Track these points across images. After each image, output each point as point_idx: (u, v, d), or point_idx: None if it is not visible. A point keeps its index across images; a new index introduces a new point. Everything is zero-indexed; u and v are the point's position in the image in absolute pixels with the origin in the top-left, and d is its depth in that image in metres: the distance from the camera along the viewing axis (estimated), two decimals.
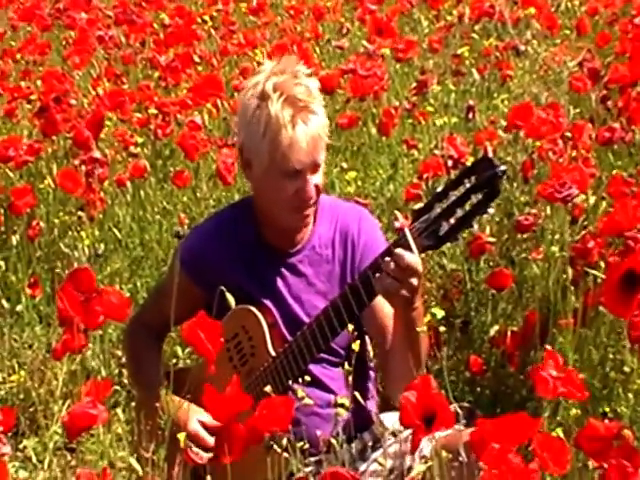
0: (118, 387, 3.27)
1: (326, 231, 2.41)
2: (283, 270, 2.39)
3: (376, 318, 2.31)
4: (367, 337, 2.40)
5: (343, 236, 2.40)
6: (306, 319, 2.33)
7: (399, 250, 2.01)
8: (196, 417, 2.31)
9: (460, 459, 1.89)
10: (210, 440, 2.28)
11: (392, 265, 2.02)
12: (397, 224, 2.04)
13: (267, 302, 2.37)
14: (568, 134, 3.54)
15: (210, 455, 2.25)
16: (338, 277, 2.38)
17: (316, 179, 2.28)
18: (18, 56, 6.04)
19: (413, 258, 2.00)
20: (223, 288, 2.15)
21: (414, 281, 2.03)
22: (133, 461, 2.12)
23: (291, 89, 2.24)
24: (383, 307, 2.26)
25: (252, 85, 2.29)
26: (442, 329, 2.74)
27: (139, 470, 2.06)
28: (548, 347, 2.22)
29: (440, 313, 2.16)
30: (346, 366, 2.01)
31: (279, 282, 2.38)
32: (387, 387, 2.40)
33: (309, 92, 2.27)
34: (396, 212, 2.17)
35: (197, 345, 1.95)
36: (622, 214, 2.71)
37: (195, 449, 2.24)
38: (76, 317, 1.99)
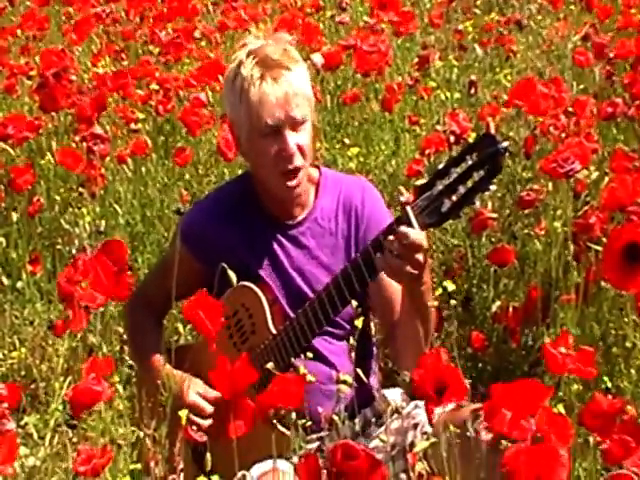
0: (122, 367, 3.27)
1: (329, 203, 2.40)
2: (285, 242, 2.38)
3: (383, 292, 2.31)
4: (370, 313, 2.40)
5: (346, 208, 2.39)
6: (309, 292, 2.33)
7: (402, 228, 2.00)
8: (194, 389, 2.31)
9: (467, 434, 1.88)
10: (209, 409, 2.29)
11: (396, 244, 2.00)
12: (402, 198, 2.02)
13: (269, 275, 2.37)
14: (570, 109, 3.52)
15: (209, 422, 2.27)
16: (342, 250, 2.38)
17: (298, 138, 2.26)
18: (18, 32, 6.01)
19: (417, 234, 1.98)
20: (225, 265, 2.15)
21: (419, 257, 2.01)
22: (141, 433, 2.13)
23: (264, 51, 2.27)
24: (391, 281, 2.25)
25: (233, 59, 2.32)
26: (452, 302, 2.72)
27: (147, 443, 2.06)
28: (551, 325, 2.23)
29: (451, 286, 2.15)
30: (350, 341, 2.00)
31: (281, 254, 2.38)
32: (395, 361, 2.40)
33: (283, 52, 2.28)
34: (401, 187, 2.15)
35: (198, 324, 1.95)
36: (622, 189, 2.69)
37: (194, 418, 2.25)
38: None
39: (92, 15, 6.20)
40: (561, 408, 1.77)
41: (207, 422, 2.28)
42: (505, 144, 1.93)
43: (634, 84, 3.78)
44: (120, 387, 3.11)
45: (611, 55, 4.26)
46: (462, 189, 1.96)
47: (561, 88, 3.55)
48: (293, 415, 1.84)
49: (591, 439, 1.75)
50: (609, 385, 2.21)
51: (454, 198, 1.97)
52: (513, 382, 1.64)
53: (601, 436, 1.68)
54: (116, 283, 2.06)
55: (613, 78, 4.09)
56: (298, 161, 2.27)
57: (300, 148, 2.27)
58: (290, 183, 2.28)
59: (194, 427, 2.19)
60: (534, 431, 1.56)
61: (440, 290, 2.13)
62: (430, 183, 2.00)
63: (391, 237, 2.01)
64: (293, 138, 2.25)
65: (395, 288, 2.26)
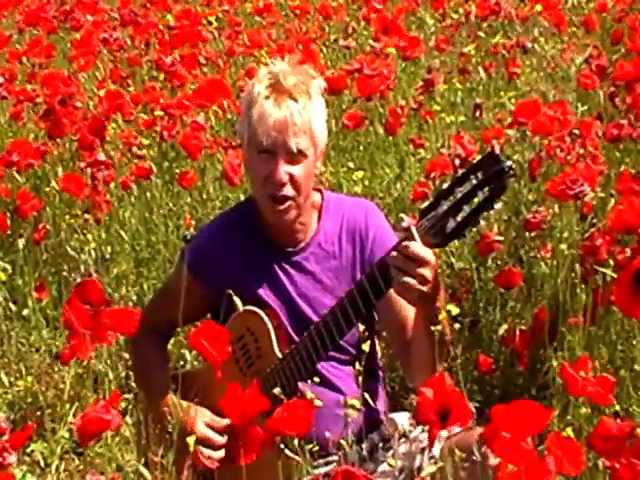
0: (127, 394, 3.26)
1: (331, 227, 2.40)
2: (289, 268, 2.38)
3: (394, 309, 2.28)
4: (376, 336, 2.39)
5: (350, 231, 2.39)
6: (314, 317, 2.32)
7: (404, 242, 1.99)
8: (202, 419, 2.30)
9: (473, 458, 1.87)
10: (220, 440, 2.28)
11: (399, 258, 1.98)
12: (404, 224, 2.01)
13: (274, 301, 2.36)
14: (576, 131, 3.52)
15: (221, 453, 2.24)
16: (347, 273, 2.37)
17: (293, 170, 2.26)
18: (24, 59, 6.04)
19: (418, 247, 1.96)
20: (230, 292, 2.14)
21: (425, 272, 1.97)
22: (141, 468, 2.11)
23: (279, 75, 2.28)
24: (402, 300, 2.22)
25: (255, 78, 2.34)
26: (456, 326, 2.71)
27: (147, 475, 2.05)
28: (558, 348, 2.21)
29: (455, 310, 2.13)
30: (357, 366, 1.99)
31: (285, 281, 2.37)
32: (410, 378, 2.37)
33: (299, 83, 2.29)
34: (402, 215, 2.14)
35: (203, 352, 1.94)
36: (630, 211, 2.68)
37: (206, 452, 2.23)
38: (85, 331, 1.97)
39: (98, 40, 6.23)
40: (570, 432, 1.76)
41: (218, 454, 2.26)
42: (509, 163, 1.92)
43: (636, 105, 3.78)
44: (127, 417, 3.11)
45: (612, 76, 4.26)
46: (467, 209, 1.95)
47: (566, 110, 3.55)
48: (295, 441, 1.83)
49: (600, 462, 1.73)
50: (617, 408, 2.19)
51: (459, 218, 1.96)
52: (512, 403, 1.62)
53: (610, 460, 1.67)
54: (93, 325, 2.02)
55: (616, 99, 4.08)
56: (288, 191, 2.27)
57: (292, 179, 2.27)
58: (278, 207, 2.29)
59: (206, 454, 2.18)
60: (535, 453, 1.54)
61: (444, 314, 2.11)
62: (434, 203, 1.99)
63: (394, 253, 2.00)
64: (286, 167, 2.26)
65: (406, 307, 2.23)
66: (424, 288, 1.98)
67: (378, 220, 2.43)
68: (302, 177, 2.27)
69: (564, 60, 5.40)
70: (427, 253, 1.97)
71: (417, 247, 1.96)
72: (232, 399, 1.84)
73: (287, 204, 2.28)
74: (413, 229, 1.98)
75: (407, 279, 1.97)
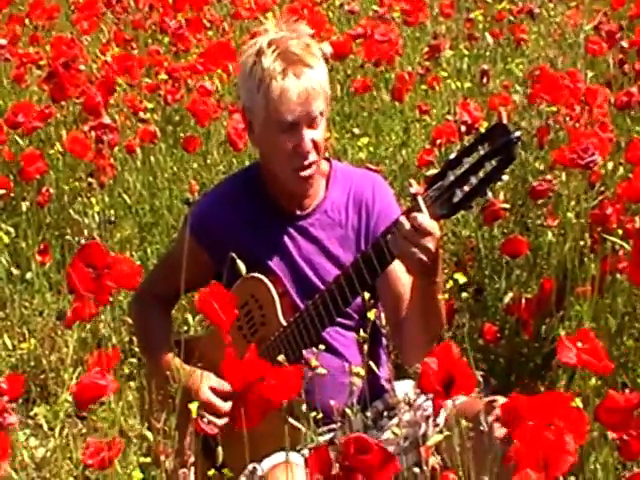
0: (131, 358, 3.25)
1: (339, 196, 2.38)
2: (294, 233, 2.36)
3: (392, 285, 2.28)
4: (380, 304, 2.37)
5: (357, 202, 2.37)
6: (318, 282, 2.31)
7: (421, 215, 1.96)
8: (207, 384, 2.29)
9: (480, 428, 1.86)
10: (224, 406, 2.27)
11: (407, 226, 1.97)
12: (412, 190, 1.99)
13: (278, 266, 2.35)
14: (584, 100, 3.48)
15: (224, 421, 2.24)
16: (352, 242, 2.36)
17: (314, 134, 2.25)
18: (26, 21, 6.00)
19: (425, 218, 1.95)
20: (234, 255, 2.13)
21: (429, 244, 1.97)
22: (145, 430, 2.11)
23: (286, 43, 2.24)
24: (400, 275, 2.23)
25: (251, 45, 2.30)
26: (464, 295, 2.70)
27: (150, 438, 2.05)
28: (565, 317, 2.20)
29: (462, 279, 2.12)
30: (361, 333, 1.98)
31: (290, 245, 2.36)
32: (402, 355, 2.37)
33: (305, 47, 2.25)
34: (411, 180, 2.12)
35: (211, 316, 1.93)
36: None
37: (209, 417, 2.22)
38: (88, 294, 1.95)
39: (101, 2, 6.18)
40: (578, 402, 1.74)
41: (222, 421, 2.26)
42: (518, 133, 1.90)
43: None
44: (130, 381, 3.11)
45: (624, 44, 4.22)
46: (474, 179, 1.93)
47: (576, 78, 3.51)
48: (303, 407, 1.82)
49: (608, 434, 1.72)
50: (625, 380, 2.18)
51: (466, 188, 1.94)
52: (535, 395, 1.60)
53: (618, 432, 1.65)
54: (96, 287, 2.00)
55: (625, 66, 4.05)
56: (312, 157, 2.26)
57: (315, 144, 2.25)
58: (303, 173, 2.27)
59: (205, 420, 2.17)
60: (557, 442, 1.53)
61: (451, 282, 2.10)
62: (441, 173, 1.97)
63: (402, 218, 1.99)
64: (309, 134, 2.24)
65: (403, 284, 2.24)
66: (425, 258, 1.97)
67: (385, 194, 2.41)
68: (321, 138, 2.27)
69: (572, 26, 5.35)
70: (432, 225, 1.96)
71: (423, 219, 1.95)
72: (231, 364, 1.82)
73: (312, 170, 2.28)
74: (420, 199, 1.97)
75: (409, 246, 1.96)
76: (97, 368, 1.91)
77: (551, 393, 1.61)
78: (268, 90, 2.21)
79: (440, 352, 1.71)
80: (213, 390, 2.29)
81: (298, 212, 2.37)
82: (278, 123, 2.23)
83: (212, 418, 2.24)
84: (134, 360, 3.26)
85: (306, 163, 2.25)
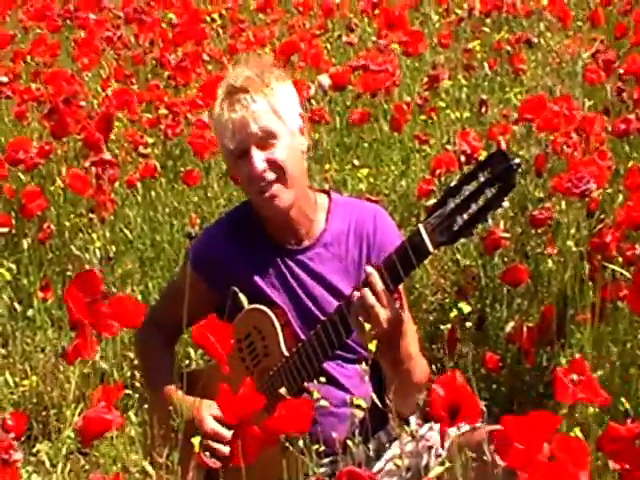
0: (130, 391, 3.24)
1: (340, 228, 2.39)
2: (294, 267, 2.37)
3: None
4: None
5: (358, 233, 2.38)
6: (320, 315, 2.31)
7: (365, 290, 2.02)
8: (210, 414, 2.28)
9: (484, 458, 1.85)
10: (228, 435, 2.26)
11: (354, 299, 2.04)
12: (368, 269, 2.04)
13: (280, 299, 2.35)
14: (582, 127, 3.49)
15: (229, 449, 2.23)
16: (352, 275, 2.36)
17: (270, 154, 2.27)
18: (28, 58, 6.02)
19: (369, 296, 2.01)
20: (236, 289, 2.14)
21: (378, 317, 2.01)
22: (147, 465, 2.10)
23: (228, 81, 2.32)
24: None
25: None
26: (467, 324, 2.68)
27: (152, 473, 2.04)
28: (566, 345, 2.18)
29: (466, 308, 2.12)
30: (363, 365, 1.97)
31: (290, 279, 2.36)
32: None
33: (246, 78, 2.29)
34: (366, 266, 2.14)
35: (208, 347, 1.93)
36: (639, 207, 2.66)
37: (213, 444, 2.22)
38: (84, 320, 1.95)
39: (102, 38, 6.21)
40: (578, 432, 1.73)
41: (227, 449, 2.25)
42: (517, 160, 1.91)
43: None
44: (132, 414, 3.10)
45: (621, 71, 4.23)
46: (474, 207, 1.94)
47: (572, 105, 3.53)
48: (300, 442, 1.82)
49: (610, 463, 1.71)
50: (627, 407, 2.17)
51: (466, 216, 1.95)
52: (524, 414, 1.60)
53: (620, 462, 1.64)
54: (92, 315, 2.00)
55: (624, 94, 4.06)
56: (269, 176, 2.27)
57: (272, 163, 2.27)
58: (267, 194, 2.28)
59: (207, 453, 2.17)
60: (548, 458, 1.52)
61: (455, 312, 2.09)
62: (442, 201, 1.98)
63: (356, 293, 2.04)
64: (260, 156, 2.26)
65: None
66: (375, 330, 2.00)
67: (387, 226, 2.41)
68: (280, 157, 2.27)
69: (570, 55, 5.36)
70: (372, 302, 2.01)
71: (366, 294, 2.01)
72: (226, 398, 1.82)
73: (273, 189, 2.28)
74: (421, 227, 1.98)
75: (361, 320, 2.02)
76: (103, 402, 1.90)
77: (540, 413, 1.60)
78: (215, 126, 2.33)
79: (446, 380, 1.71)
80: (217, 419, 2.29)
81: (295, 246, 2.38)
82: (229, 153, 2.31)
83: (218, 446, 2.24)
84: (136, 394, 3.24)
85: (263, 184, 2.27)
